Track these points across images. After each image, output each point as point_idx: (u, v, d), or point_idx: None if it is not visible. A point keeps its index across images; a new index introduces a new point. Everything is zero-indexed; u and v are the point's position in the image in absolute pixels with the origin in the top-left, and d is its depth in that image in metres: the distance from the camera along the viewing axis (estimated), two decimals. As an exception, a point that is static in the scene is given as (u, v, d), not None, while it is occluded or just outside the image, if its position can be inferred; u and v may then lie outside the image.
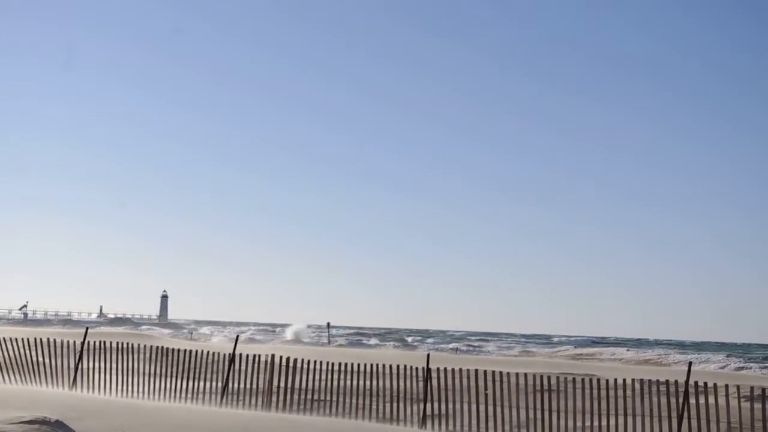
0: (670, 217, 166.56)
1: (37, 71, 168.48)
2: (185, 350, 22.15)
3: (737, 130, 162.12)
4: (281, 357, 20.81)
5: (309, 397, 19.88)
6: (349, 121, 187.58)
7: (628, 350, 71.26)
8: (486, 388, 18.39)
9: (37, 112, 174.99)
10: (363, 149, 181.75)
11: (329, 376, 19.93)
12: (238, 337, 25.17)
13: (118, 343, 23.04)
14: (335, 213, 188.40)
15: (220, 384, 21.22)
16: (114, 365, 22.52)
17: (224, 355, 21.69)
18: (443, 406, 18.71)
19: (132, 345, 22.73)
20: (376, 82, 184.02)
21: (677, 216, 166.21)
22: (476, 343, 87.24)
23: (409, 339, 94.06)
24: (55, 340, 23.85)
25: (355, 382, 19.74)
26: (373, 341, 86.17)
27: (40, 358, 23.41)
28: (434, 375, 19.15)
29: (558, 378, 18.44)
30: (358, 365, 19.91)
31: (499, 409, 18.12)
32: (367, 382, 19.62)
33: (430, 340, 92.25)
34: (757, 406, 16.02)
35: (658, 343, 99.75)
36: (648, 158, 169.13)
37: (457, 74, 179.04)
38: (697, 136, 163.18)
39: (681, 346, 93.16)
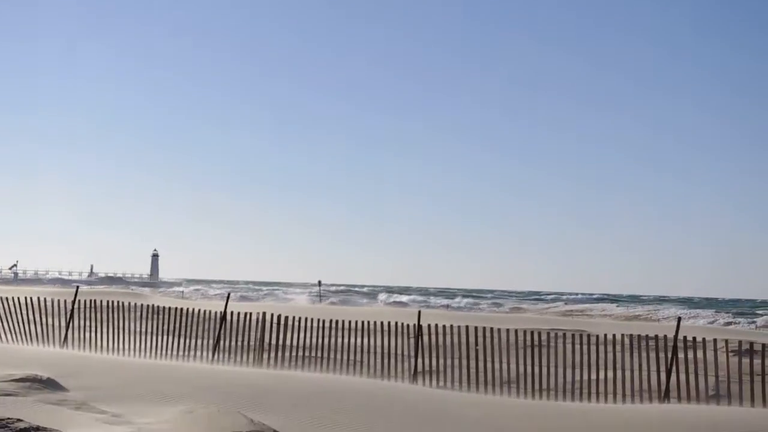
0: (662, 173, 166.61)
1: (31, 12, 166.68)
2: (176, 308, 22.18)
3: (723, 83, 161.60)
4: (272, 315, 20.85)
5: (300, 353, 19.95)
6: (342, 84, 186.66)
7: (618, 306, 71.63)
8: (477, 344, 18.46)
9: (27, 79, 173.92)
10: (355, 112, 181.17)
11: (320, 333, 19.98)
12: (229, 295, 25.21)
13: (108, 301, 23.06)
14: (327, 172, 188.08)
15: (211, 342, 21.27)
16: (105, 324, 22.55)
17: (215, 313, 21.73)
18: (434, 362, 18.78)
19: (123, 304, 22.76)
20: (370, 44, 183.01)
21: (668, 172, 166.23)
22: (467, 300, 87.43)
23: (401, 296, 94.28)
24: (45, 300, 23.87)
25: (346, 339, 19.80)
26: (365, 299, 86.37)
27: (31, 317, 23.42)
28: (425, 331, 19.20)
29: (548, 333, 18.52)
30: (349, 322, 19.97)
31: (489, 365, 18.20)
32: (359, 339, 19.69)
33: (421, 297, 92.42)
34: (745, 360, 16.14)
35: (647, 299, 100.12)
36: (640, 114, 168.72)
37: (444, 30, 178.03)
38: (683, 89, 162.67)
39: (670, 302, 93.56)
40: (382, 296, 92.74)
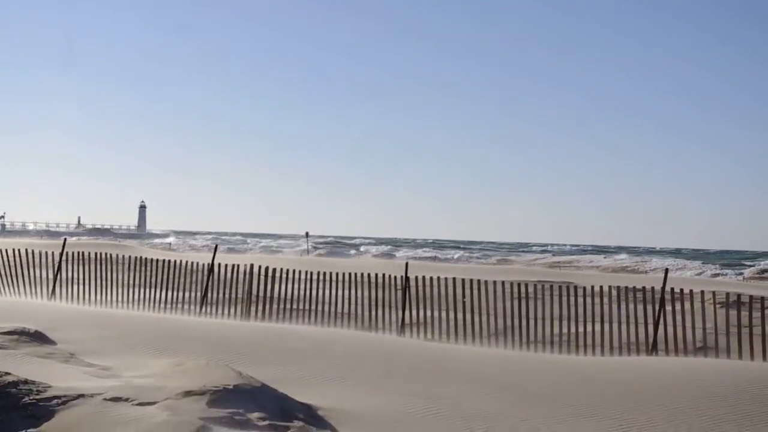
0: (650, 126, 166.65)
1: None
2: (164, 260, 22.16)
3: (711, 37, 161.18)
4: (260, 267, 20.85)
5: (288, 306, 19.97)
6: (327, 36, 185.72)
7: (605, 258, 71.84)
8: (464, 296, 18.50)
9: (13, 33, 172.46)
10: (341, 64, 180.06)
11: (308, 285, 19.99)
12: (216, 246, 25.17)
13: (96, 253, 23.01)
14: (314, 125, 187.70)
15: (199, 294, 21.27)
16: (92, 276, 22.51)
17: (203, 264, 21.71)
18: (422, 314, 18.83)
19: (110, 256, 22.72)
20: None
21: (657, 124, 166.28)
22: (454, 252, 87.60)
23: (388, 247, 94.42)
24: (33, 251, 23.81)
25: (334, 291, 19.82)
26: (352, 251, 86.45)
27: (19, 269, 23.36)
28: (412, 283, 19.23)
29: (535, 285, 18.55)
30: (337, 274, 19.98)
31: (476, 317, 18.25)
32: (346, 291, 19.70)
33: (408, 249, 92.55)
34: (732, 311, 16.20)
35: (635, 251, 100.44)
36: (631, 66, 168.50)
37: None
38: (670, 44, 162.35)
39: (658, 253, 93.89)
40: (369, 248, 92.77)
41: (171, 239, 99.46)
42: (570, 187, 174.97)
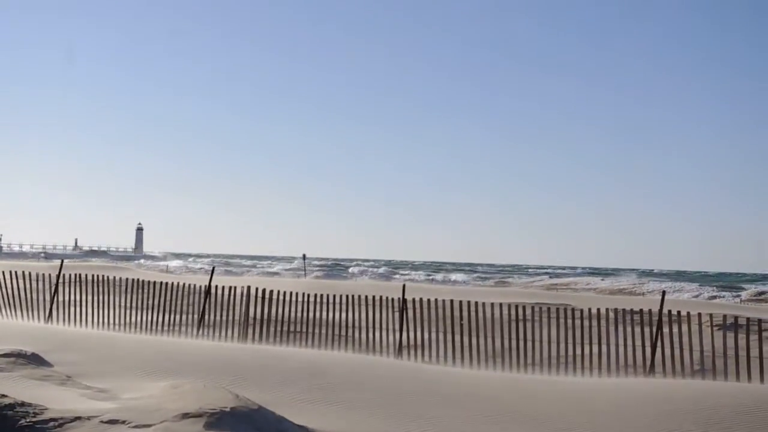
0: (648, 148, 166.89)
1: None
2: (161, 282, 22.15)
3: (710, 59, 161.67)
4: (257, 289, 20.84)
5: (285, 328, 19.96)
6: (325, 58, 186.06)
7: (602, 280, 71.71)
8: (461, 319, 18.49)
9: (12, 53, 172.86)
10: (340, 86, 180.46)
11: (305, 308, 19.98)
12: (213, 269, 25.18)
13: (93, 275, 23.00)
14: (311, 147, 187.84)
15: (196, 316, 21.25)
16: (90, 298, 22.51)
17: (200, 287, 21.70)
18: (419, 336, 18.81)
19: (107, 277, 22.71)
20: (360, 20, 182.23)
21: (655, 147, 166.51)
22: (452, 274, 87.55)
23: (385, 269, 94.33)
24: (30, 273, 23.79)
25: (331, 314, 19.80)
26: (350, 272, 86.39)
27: (16, 291, 23.34)
28: (410, 305, 19.21)
29: (533, 308, 18.54)
30: (334, 296, 19.96)
31: (474, 339, 18.23)
32: (343, 314, 19.69)
33: (406, 271, 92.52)
34: (730, 334, 16.18)
35: (632, 273, 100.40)
36: (625, 90, 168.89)
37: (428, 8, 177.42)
38: (668, 63, 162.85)
39: (655, 275, 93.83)
40: (366, 270, 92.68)
41: (168, 261, 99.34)
42: (567, 209, 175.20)
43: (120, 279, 22.73)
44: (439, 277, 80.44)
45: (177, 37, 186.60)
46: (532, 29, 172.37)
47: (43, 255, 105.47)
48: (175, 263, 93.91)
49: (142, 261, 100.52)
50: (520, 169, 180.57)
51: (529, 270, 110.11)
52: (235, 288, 21.19)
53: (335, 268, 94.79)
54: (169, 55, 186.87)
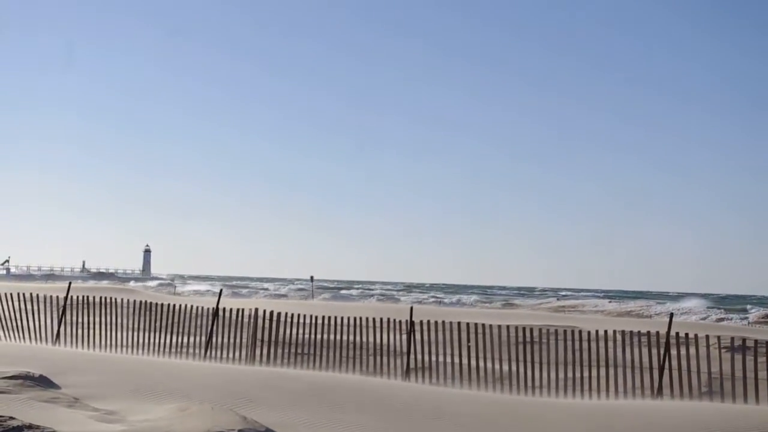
0: (654, 170, 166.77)
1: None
2: (169, 304, 22.17)
3: (712, 79, 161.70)
4: (264, 311, 20.85)
5: (293, 350, 19.96)
6: (330, 80, 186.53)
7: (610, 302, 71.51)
8: (468, 341, 18.48)
9: (23, 77, 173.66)
10: (347, 112, 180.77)
11: (313, 330, 19.98)
12: (221, 291, 25.19)
13: (101, 297, 23.03)
14: (319, 169, 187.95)
15: (203, 338, 21.26)
16: (97, 320, 22.53)
17: (208, 309, 21.71)
18: (426, 359, 18.79)
19: (115, 299, 22.75)
20: (363, 43, 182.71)
21: (661, 168, 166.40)
22: (459, 296, 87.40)
23: (393, 291, 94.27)
24: (38, 295, 23.83)
25: (338, 336, 19.80)
26: (357, 294, 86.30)
27: (23, 313, 23.37)
28: (417, 328, 19.21)
29: (540, 330, 18.52)
30: (342, 318, 19.96)
31: (481, 362, 18.22)
32: (351, 336, 19.69)
33: (413, 294, 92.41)
34: (738, 356, 16.14)
35: (640, 295, 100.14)
36: (632, 111, 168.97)
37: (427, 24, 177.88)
38: (671, 85, 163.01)
39: (663, 297, 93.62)
40: (374, 292, 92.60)
41: (176, 283, 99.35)
42: (576, 231, 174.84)
43: (127, 301, 22.76)
44: (446, 299, 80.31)
45: (182, 61, 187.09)
46: (537, 50, 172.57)
47: (44, 276, 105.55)
48: (182, 285, 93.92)
49: (149, 283, 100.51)
50: (528, 192, 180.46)
51: (537, 292, 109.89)
52: (242, 310, 21.21)
53: (343, 290, 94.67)
54: (174, 77, 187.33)
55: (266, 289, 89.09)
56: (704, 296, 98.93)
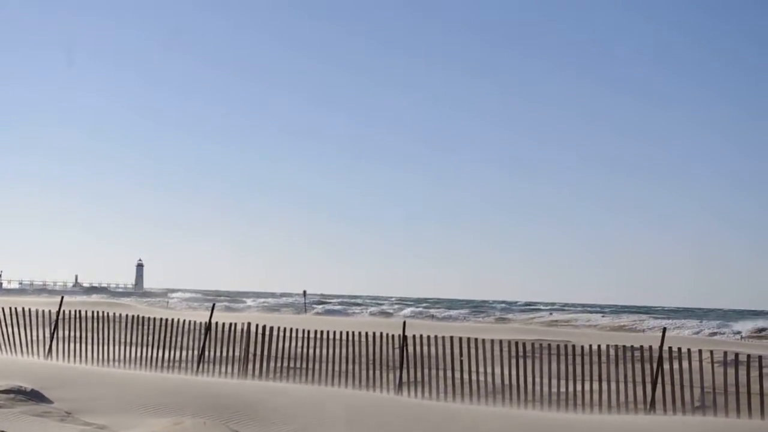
0: (647, 184, 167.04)
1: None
2: (161, 319, 22.13)
3: (706, 90, 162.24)
4: (257, 325, 20.84)
5: (285, 364, 19.94)
6: (324, 91, 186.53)
7: (603, 316, 71.58)
8: (461, 355, 18.48)
9: (12, 89, 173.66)
10: (335, 120, 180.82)
11: (305, 344, 19.96)
12: (214, 305, 25.19)
13: (93, 312, 22.98)
14: (311, 182, 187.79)
15: (196, 352, 21.23)
16: (89, 334, 22.48)
17: (200, 323, 21.69)
18: (419, 373, 18.78)
19: (107, 314, 22.71)
20: (354, 55, 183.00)
21: (654, 183, 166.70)
22: (452, 311, 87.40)
23: (385, 306, 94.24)
24: (30, 310, 23.79)
25: (331, 350, 19.78)
26: (350, 309, 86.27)
27: (15, 328, 23.33)
28: (410, 342, 19.21)
29: (533, 344, 18.52)
30: (334, 333, 19.95)
31: (474, 376, 18.22)
32: (344, 350, 19.68)
33: (407, 308, 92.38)
34: (731, 370, 16.16)
35: (632, 310, 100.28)
36: (623, 126, 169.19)
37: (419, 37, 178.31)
38: (661, 96, 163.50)
39: (655, 312, 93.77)
40: (367, 306, 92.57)
41: (168, 297, 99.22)
42: (569, 245, 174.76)
43: (120, 315, 22.72)
44: (439, 314, 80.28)
45: (175, 74, 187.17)
46: (530, 61, 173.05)
47: (37, 290, 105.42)
48: (175, 299, 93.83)
49: (142, 298, 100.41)
50: (522, 206, 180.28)
51: (530, 306, 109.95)
52: (235, 324, 21.19)
53: (335, 304, 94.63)
54: (166, 89, 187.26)
55: (259, 304, 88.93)
56: (697, 311, 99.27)
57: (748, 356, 16.35)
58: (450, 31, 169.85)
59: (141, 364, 21.40)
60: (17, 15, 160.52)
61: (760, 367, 16.02)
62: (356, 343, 19.62)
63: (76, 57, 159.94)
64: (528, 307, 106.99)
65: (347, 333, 19.80)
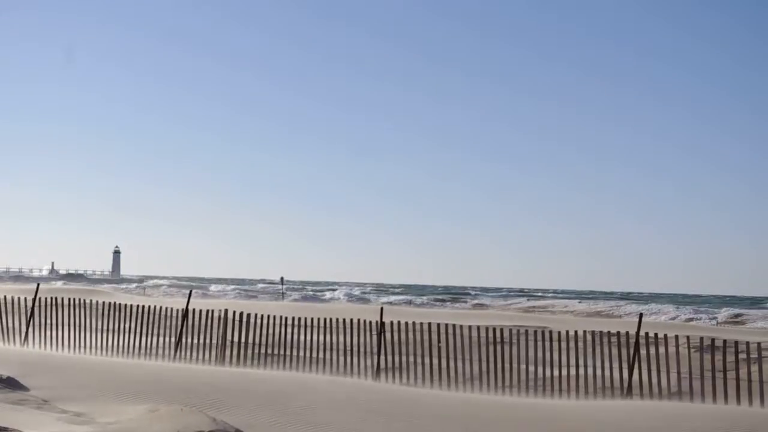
0: (626, 170, 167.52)
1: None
2: (138, 306, 22.05)
3: (700, 83, 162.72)
4: (234, 312, 20.80)
5: (263, 351, 19.92)
6: (305, 78, 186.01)
7: (580, 302, 71.84)
8: (439, 341, 18.50)
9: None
10: (315, 108, 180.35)
11: (282, 330, 19.94)
12: (191, 292, 25.11)
13: (69, 299, 22.88)
14: (289, 169, 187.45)
15: (173, 339, 21.18)
16: (66, 321, 22.39)
17: (177, 310, 21.63)
18: (396, 359, 18.80)
19: (84, 301, 22.61)
20: (356, 50, 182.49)
21: (633, 169, 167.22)
22: (430, 296, 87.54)
23: (363, 292, 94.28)
24: (5, 297, 23.67)
25: (308, 336, 19.77)
26: (327, 295, 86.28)
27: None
28: (388, 328, 19.22)
29: (510, 330, 18.58)
30: (312, 319, 19.94)
31: (452, 362, 18.24)
32: (321, 336, 19.67)
33: (383, 294, 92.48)
34: (707, 356, 16.24)
35: (609, 296, 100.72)
36: (610, 112, 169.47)
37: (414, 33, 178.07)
38: (654, 86, 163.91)
39: (632, 298, 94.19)
40: (344, 293, 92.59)
41: (145, 284, 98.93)
42: (546, 231, 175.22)
43: (96, 302, 22.62)
44: (416, 299, 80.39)
45: (157, 64, 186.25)
46: (525, 55, 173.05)
47: (12, 277, 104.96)
48: (152, 286, 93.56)
49: (119, 285, 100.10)
50: (500, 193, 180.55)
51: (506, 293, 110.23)
52: (212, 311, 21.14)
53: (313, 291, 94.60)
54: (150, 79, 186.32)
55: (236, 290, 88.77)
56: (673, 296, 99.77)
57: (724, 341, 16.43)
58: (451, 26, 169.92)
59: (118, 351, 21.34)
60: (17, 15, 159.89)
61: (736, 353, 16.12)
62: (334, 330, 19.62)
63: (57, 49, 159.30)
64: (506, 293, 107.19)
65: (324, 319, 19.79)
